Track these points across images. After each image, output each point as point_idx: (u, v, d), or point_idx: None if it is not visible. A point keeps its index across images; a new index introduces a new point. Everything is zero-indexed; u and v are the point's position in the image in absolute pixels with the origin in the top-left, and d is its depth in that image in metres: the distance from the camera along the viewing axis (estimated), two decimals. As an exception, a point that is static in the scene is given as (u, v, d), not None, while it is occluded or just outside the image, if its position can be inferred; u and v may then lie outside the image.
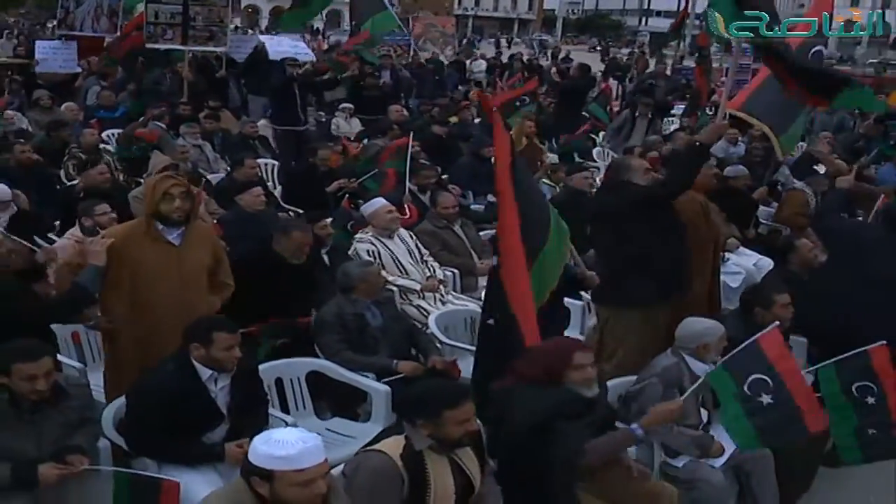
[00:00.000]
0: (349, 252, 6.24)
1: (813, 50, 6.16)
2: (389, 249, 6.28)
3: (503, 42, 50.26)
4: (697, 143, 5.14)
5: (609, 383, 4.36)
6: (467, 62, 21.38)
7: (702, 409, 4.30)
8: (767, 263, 6.91)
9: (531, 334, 4.10)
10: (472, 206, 8.52)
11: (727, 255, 6.76)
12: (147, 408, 3.78)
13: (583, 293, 5.88)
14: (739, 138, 10.18)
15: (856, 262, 5.35)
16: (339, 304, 5.03)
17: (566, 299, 5.68)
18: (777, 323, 4.02)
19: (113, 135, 10.24)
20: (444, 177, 8.87)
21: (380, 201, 6.57)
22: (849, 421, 3.95)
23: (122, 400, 3.96)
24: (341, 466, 3.32)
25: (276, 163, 9.98)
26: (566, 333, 5.34)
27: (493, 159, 5.16)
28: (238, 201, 6.61)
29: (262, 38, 15.65)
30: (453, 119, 12.17)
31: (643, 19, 79.68)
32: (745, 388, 3.76)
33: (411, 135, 8.46)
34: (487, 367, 4.16)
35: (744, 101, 6.77)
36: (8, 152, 7.94)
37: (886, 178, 9.00)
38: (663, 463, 4.21)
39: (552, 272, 4.61)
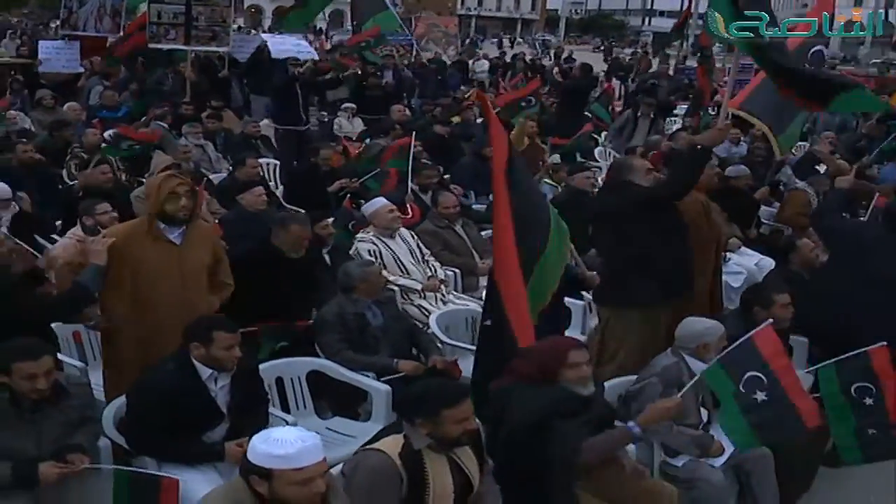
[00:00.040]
0: (350, 252, 6.24)
1: (813, 50, 6.16)
2: (391, 249, 6.27)
3: (506, 42, 50.26)
4: (698, 147, 5.10)
5: (609, 383, 4.38)
6: (470, 62, 21.37)
7: (702, 409, 4.29)
8: (769, 263, 6.91)
9: (525, 335, 4.09)
10: (474, 206, 8.50)
11: (729, 254, 6.77)
12: (147, 407, 3.79)
13: (584, 293, 5.87)
14: (741, 138, 10.17)
15: (857, 261, 5.35)
16: (339, 304, 5.03)
17: (567, 299, 5.68)
18: (771, 321, 4.02)
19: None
20: (445, 177, 8.88)
21: (381, 201, 6.57)
22: (847, 421, 3.95)
23: (122, 399, 3.97)
24: (340, 465, 3.32)
25: (277, 162, 9.98)
26: (567, 334, 5.33)
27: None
28: (240, 201, 6.61)
29: (265, 36, 15.67)
30: (455, 119, 12.17)
31: (646, 19, 79.64)
32: (741, 387, 3.76)
33: (413, 134, 8.46)
34: (487, 367, 4.15)
35: (743, 100, 6.77)
36: (10, 152, 7.97)
37: (889, 177, 8.99)
38: (663, 462, 4.21)
39: (553, 274, 4.61)
